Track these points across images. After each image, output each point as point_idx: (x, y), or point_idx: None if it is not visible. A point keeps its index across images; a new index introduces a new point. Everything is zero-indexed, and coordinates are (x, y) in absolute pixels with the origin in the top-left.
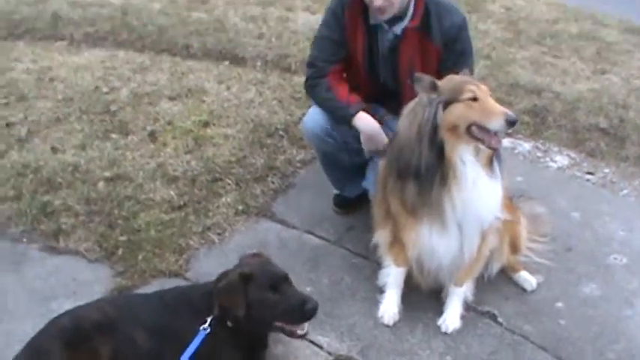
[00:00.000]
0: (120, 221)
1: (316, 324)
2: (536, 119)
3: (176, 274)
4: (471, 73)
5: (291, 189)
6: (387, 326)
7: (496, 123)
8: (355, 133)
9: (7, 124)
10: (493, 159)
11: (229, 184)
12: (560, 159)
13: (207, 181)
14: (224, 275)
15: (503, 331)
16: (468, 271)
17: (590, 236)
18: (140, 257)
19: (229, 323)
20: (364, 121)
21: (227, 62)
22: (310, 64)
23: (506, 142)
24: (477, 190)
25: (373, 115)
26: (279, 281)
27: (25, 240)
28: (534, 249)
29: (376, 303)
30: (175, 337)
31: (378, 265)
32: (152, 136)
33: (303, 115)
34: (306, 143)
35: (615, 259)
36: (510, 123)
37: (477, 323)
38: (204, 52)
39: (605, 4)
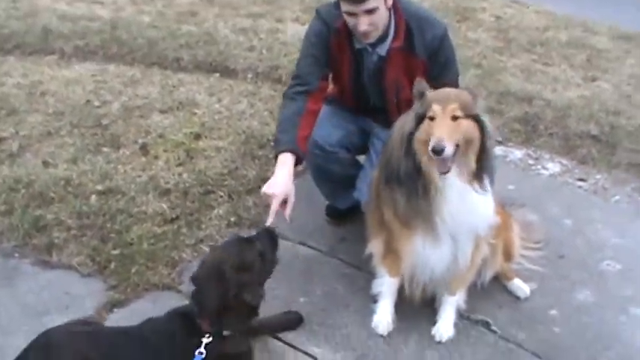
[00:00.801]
0: (112, 235)
1: (310, 334)
2: (527, 127)
3: (169, 287)
4: (456, 79)
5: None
6: (382, 336)
7: (429, 147)
8: (347, 141)
9: None
10: (482, 173)
11: (221, 196)
12: (552, 166)
13: (200, 193)
14: (201, 279)
15: (497, 340)
16: (461, 280)
17: (583, 243)
18: (133, 270)
19: (225, 332)
20: (281, 166)
21: (218, 74)
22: (296, 76)
23: (498, 150)
24: (465, 204)
25: (296, 165)
26: (247, 246)
27: (17, 255)
28: (527, 256)
29: (370, 313)
30: None
31: (371, 276)
32: (144, 149)
33: None
34: None
35: (608, 265)
36: (433, 151)
37: (470, 332)
38: (194, 65)
39: (595, 11)
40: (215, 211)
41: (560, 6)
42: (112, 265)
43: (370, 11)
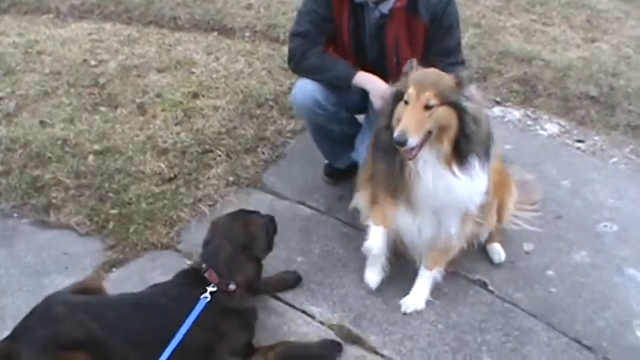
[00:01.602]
0: (110, 194)
1: (308, 294)
2: (526, 87)
3: (167, 247)
4: (458, 45)
5: (281, 159)
6: (373, 293)
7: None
8: (347, 100)
9: None
10: (464, 156)
11: (219, 155)
12: (550, 127)
13: (198, 152)
14: (213, 232)
15: (494, 299)
16: (440, 256)
17: (580, 204)
18: (131, 230)
19: (232, 286)
20: (368, 78)
21: (215, 33)
22: (297, 36)
23: (496, 110)
24: (441, 183)
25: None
26: (254, 213)
27: (15, 215)
28: (525, 217)
29: None
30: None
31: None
32: (141, 108)
33: (293, 85)
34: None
35: (605, 226)
36: (395, 142)
37: (467, 291)
38: (192, 24)
39: None
40: (213, 171)
41: None
42: (111, 225)
43: None
